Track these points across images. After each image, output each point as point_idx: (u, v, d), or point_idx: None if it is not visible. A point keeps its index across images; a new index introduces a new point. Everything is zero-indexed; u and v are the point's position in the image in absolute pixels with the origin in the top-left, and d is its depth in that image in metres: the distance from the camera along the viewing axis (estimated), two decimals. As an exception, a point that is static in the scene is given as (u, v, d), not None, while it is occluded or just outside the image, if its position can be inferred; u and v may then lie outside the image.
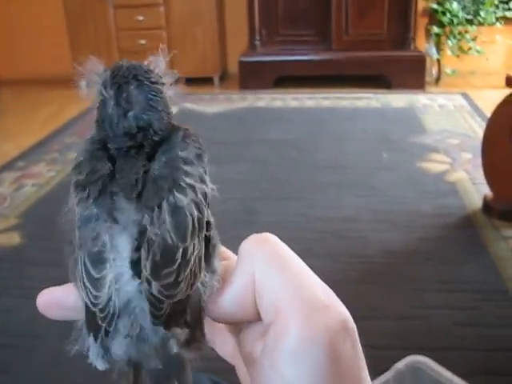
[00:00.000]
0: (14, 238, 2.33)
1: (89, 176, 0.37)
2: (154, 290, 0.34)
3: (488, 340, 1.63)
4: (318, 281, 0.37)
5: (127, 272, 0.35)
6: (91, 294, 0.35)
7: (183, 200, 0.36)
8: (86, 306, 0.35)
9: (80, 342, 0.36)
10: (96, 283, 0.35)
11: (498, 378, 1.49)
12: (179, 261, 0.35)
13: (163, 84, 0.39)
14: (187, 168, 0.38)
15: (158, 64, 0.40)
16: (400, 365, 1.16)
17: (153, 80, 0.39)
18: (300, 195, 2.66)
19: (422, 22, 4.73)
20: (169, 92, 0.40)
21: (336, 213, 2.46)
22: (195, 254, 0.36)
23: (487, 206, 2.39)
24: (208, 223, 0.38)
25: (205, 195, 0.38)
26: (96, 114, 0.39)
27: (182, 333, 0.35)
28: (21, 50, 5.35)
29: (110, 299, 0.35)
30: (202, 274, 0.37)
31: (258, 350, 0.36)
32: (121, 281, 0.35)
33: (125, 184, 0.37)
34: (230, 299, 0.37)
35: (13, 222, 2.49)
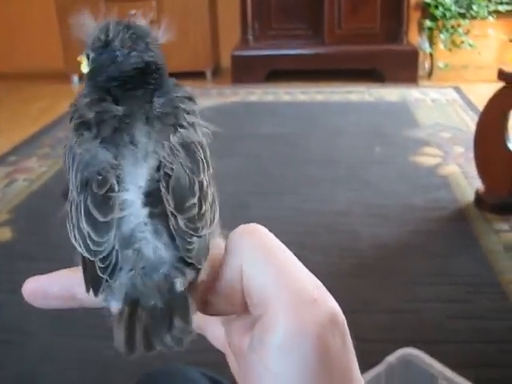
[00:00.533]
0: (6, 233, 2.32)
1: (100, 115, 0.37)
2: (181, 224, 0.34)
3: (480, 333, 1.63)
4: (307, 274, 0.36)
5: (137, 202, 0.34)
6: (92, 240, 0.33)
7: (189, 135, 0.37)
8: (83, 257, 0.34)
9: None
10: (100, 228, 0.34)
11: (489, 370, 1.50)
12: (198, 193, 0.35)
13: (154, 33, 0.42)
14: (185, 106, 0.39)
15: (143, 23, 0.42)
16: (391, 358, 1.17)
17: (146, 30, 0.42)
18: (293, 189, 2.66)
19: (415, 15, 4.73)
20: (160, 40, 0.42)
21: (328, 207, 2.46)
22: (210, 189, 0.37)
23: (479, 199, 2.39)
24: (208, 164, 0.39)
25: (203, 133, 0.39)
26: (89, 64, 0.41)
27: (190, 272, 0.34)
28: (12, 44, 5.32)
29: (113, 247, 0.33)
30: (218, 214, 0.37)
31: (246, 342, 0.36)
32: (129, 210, 0.34)
33: (136, 121, 0.37)
34: (217, 293, 0.37)
35: (4, 217, 2.48)
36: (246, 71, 4.66)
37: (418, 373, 1.14)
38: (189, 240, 0.34)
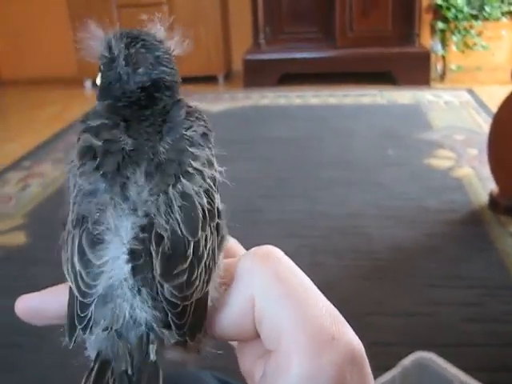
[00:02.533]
0: (20, 238, 2.33)
1: (107, 144, 0.35)
2: (167, 293, 0.31)
3: (495, 336, 1.62)
4: (324, 306, 0.34)
5: (120, 257, 0.32)
6: (83, 282, 0.32)
7: (191, 187, 0.34)
8: (72, 296, 0.33)
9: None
10: (92, 270, 0.32)
11: (504, 373, 1.49)
12: (191, 257, 0.32)
13: (167, 44, 0.40)
14: (194, 150, 0.35)
15: (157, 31, 0.40)
16: (406, 361, 1.16)
17: (158, 40, 0.39)
18: (306, 192, 2.65)
19: (427, 17, 4.72)
20: (175, 52, 0.40)
21: (342, 209, 2.45)
22: (208, 246, 0.33)
23: (493, 201, 2.37)
24: (218, 211, 0.36)
25: (214, 180, 0.36)
26: (100, 80, 0.39)
27: (170, 335, 0.32)
28: (25, 50, 5.36)
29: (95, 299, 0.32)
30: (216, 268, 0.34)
31: (257, 371, 0.34)
32: (112, 266, 0.32)
33: (140, 160, 0.34)
34: (226, 321, 0.34)
35: (18, 222, 2.49)
36: (258, 75, 4.67)
37: (433, 376, 1.13)
38: (175, 311, 0.31)
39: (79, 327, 0.32)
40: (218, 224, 0.35)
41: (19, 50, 5.37)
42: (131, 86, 0.37)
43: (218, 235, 0.35)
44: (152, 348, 0.31)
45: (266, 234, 2.17)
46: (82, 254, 0.32)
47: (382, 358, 1.40)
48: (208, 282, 0.33)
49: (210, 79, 4.87)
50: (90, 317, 0.32)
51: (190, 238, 0.32)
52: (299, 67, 4.65)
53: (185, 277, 0.32)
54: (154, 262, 0.31)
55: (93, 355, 0.31)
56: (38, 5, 5.24)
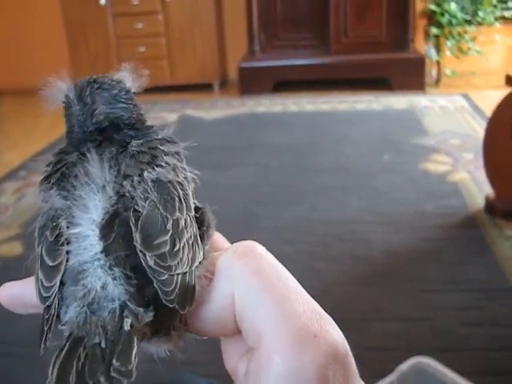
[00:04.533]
0: (17, 248, 2.33)
1: (54, 165, 0.37)
2: (150, 262, 0.32)
3: (493, 340, 1.62)
4: (307, 303, 0.33)
5: (90, 235, 0.33)
6: (43, 286, 0.32)
7: (165, 175, 0.35)
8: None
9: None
10: (49, 273, 0.32)
11: (503, 378, 1.48)
12: (171, 231, 0.33)
13: (125, 83, 0.39)
14: (164, 148, 0.37)
15: (124, 79, 0.40)
16: (404, 366, 1.16)
17: (115, 80, 0.39)
18: (302, 199, 2.65)
19: (421, 23, 4.74)
20: (133, 89, 0.39)
21: (338, 215, 2.45)
22: (189, 229, 0.34)
23: (490, 205, 2.38)
24: (196, 207, 0.36)
25: (186, 178, 0.36)
26: (65, 127, 0.39)
27: (144, 314, 0.31)
28: (21, 60, 5.36)
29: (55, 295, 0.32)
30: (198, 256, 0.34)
31: (240, 369, 0.34)
32: (79, 243, 0.33)
33: (100, 154, 0.35)
34: (206, 318, 0.34)
35: (15, 232, 2.49)
36: (253, 82, 4.67)
37: (431, 381, 1.13)
38: (161, 278, 0.31)
39: (45, 328, 0.32)
40: (199, 216, 0.36)
41: (15, 59, 5.38)
42: (89, 127, 0.37)
43: (200, 227, 0.36)
44: (126, 322, 0.31)
45: (262, 240, 2.11)
46: (42, 262, 0.33)
47: (378, 363, 1.40)
48: (193, 260, 0.33)
49: (205, 87, 4.88)
50: (60, 301, 0.32)
51: (168, 216, 0.33)
52: (294, 74, 4.66)
53: (167, 247, 0.32)
54: (134, 234, 0.32)
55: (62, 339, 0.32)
56: (33, 15, 5.24)
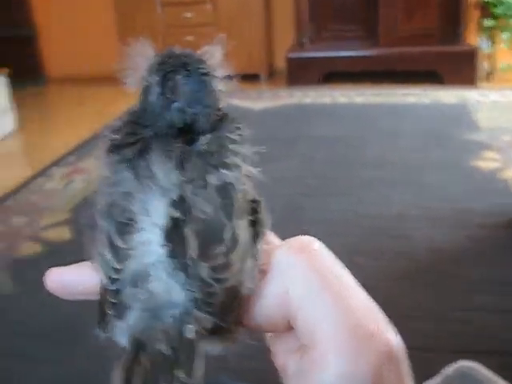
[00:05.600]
0: (64, 233, 2.37)
1: (127, 137, 0.34)
2: (204, 273, 0.30)
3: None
4: (364, 302, 0.33)
5: (155, 240, 0.31)
6: (112, 267, 0.31)
7: (230, 177, 0.33)
8: (101, 289, 0.32)
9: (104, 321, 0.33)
10: (120, 254, 0.31)
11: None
12: (229, 239, 0.31)
13: (215, 77, 0.36)
14: (233, 147, 0.35)
15: (214, 55, 0.37)
16: (449, 370, 1.13)
17: (204, 71, 0.35)
18: (347, 192, 2.63)
19: (474, 14, 4.61)
20: (220, 86, 0.36)
21: (383, 210, 2.42)
22: (243, 235, 0.32)
23: (541, 204, 2.31)
24: (256, 203, 0.35)
25: (250, 177, 0.35)
26: (138, 102, 0.36)
27: (206, 320, 0.30)
28: (71, 48, 5.46)
29: (126, 284, 0.31)
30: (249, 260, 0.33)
31: (290, 365, 0.34)
32: (144, 246, 0.31)
33: (167, 150, 0.33)
34: (260, 313, 0.33)
35: (63, 217, 2.54)
36: (300, 73, 4.64)
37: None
38: (209, 291, 0.30)
39: (111, 314, 0.32)
40: (255, 218, 0.34)
41: (65, 47, 5.47)
42: (161, 122, 0.35)
43: (255, 229, 0.34)
44: (190, 329, 0.30)
45: (306, 232, 2.15)
46: (110, 241, 0.32)
47: (418, 363, 1.37)
48: (243, 270, 0.32)
49: (252, 77, 4.87)
50: (122, 301, 0.31)
51: (226, 222, 0.32)
52: (343, 65, 4.61)
53: (222, 259, 0.31)
54: (191, 242, 0.31)
55: (125, 341, 0.31)
56: (84, 3, 5.32)
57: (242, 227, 0.33)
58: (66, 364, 1.58)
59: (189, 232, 0.31)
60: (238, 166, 0.34)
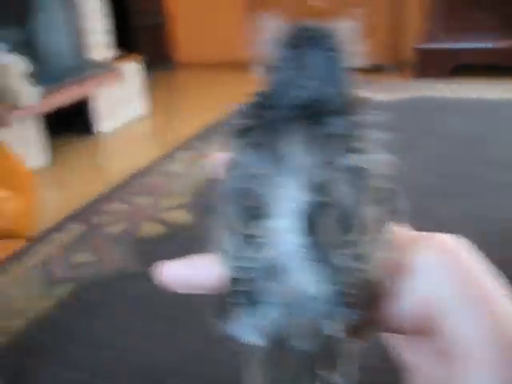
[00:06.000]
0: (185, 216, 2.44)
1: (254, 120, 0.32)
2: (345, 263, 0.28)
3: None
4: None
5: (290, 227, 0.28)
6: (242, 256, 0.29)
7: (364, 162, 0.30)
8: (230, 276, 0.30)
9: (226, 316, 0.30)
10: (250, 242, 0.29)
11: None
12: (361, 228, 0.29)
13: (348, 55, 0.34)
14: (365, 131, 0.32)
15: (348, 30, 0.34)
16: None
17: (336, 48, 0.33)
18: (474, 192, 2.51)
19: None
20: (353, 65, 0.34)
21: (509, 214, 2.28)
22: (374, 224, 0.30)
23: None
24: (389, 192, 0.32)
25: (383, 164, 0.32)
26: (266, 82, 0.34)
27: (350, 314, 0.28)
28: (200, 33, 5.61)
29: (256, 274, 0.29)
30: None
31: (426, 367, 0.31)
32: (279, 236, 0.29)
33: (296, 132, 0.31)
34: (395, 315, 0.31)
35: (185, 200, 2.61)
36: (429, 65, 4.49)
37: None
38: (353, 282, 0.28)
39: (237, 307, 0.29)
40: (387, 208, 0.32)
41: (195, 33, 5.63)
42: (287, 100, 0.32)
43: (386, 218, 0.31)
44: (335, 327, 0.28)
45: (426, 231, 2.08)
46: (239, 228, 0.30)
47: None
48: (377, 261, 0.29)
49: (378, 69, 4.77)
50: (253, 294, 0.29)
51: (356, 211, 0.29)
52: (474, 58, 4.40)
53: (355, 247, 0.28)
54: (330, 229, 0.28)
55: (251, 337, 0.29)
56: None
57: (375, 215, 0.30)
58: (181, 343, 1.63)
59: (328, 219, 0.28)
60: (370, 151, 0.31)
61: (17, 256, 2.20)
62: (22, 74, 2.97)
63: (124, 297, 1.90)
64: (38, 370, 1.57)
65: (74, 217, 2.50)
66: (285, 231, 0.29)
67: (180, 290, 0.35)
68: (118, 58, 4.04)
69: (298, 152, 0.30)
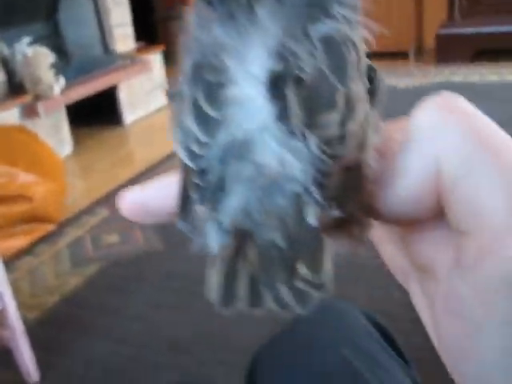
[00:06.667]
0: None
1: None
2: (312, 146, 0.23)
3: None
4: None
5: (257, 98, 0.24)
6: (197, 140, 0.24)
7: (338, 31, 0.25)
8: (183, 168, 0.26)
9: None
10: (209, 124, 0.24)
11: None
12: (341, 107, 0.24)
13: None
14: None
15: None
16: None
17: None
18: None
19: None
20: None
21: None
22: (361, 104, 0.25)
23: None
24: (373, 71, 0.28)
25: (361, 33, 0.27)
26: None
27: (328, 206, 0.23)
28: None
29: (218, 159, 0.24)
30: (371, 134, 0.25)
31: (442, 262, 0.26)
32: (245, 107, 0.24)
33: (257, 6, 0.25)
34: (398, 194, 0.26)
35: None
36: (451, 51, 4.48)
37: None
38: (323, 169, 0.23)
39: (197, 197, 0.24)
40: (372, 88, 0.27)
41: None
42: None
43: (372, 101, 0.27)
44: (310, 211, 0.23)
45: None
46: (197, 108, 0.25)
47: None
48: (363, 149, 0.25)
49: (400, 55, 4.77)
50: (213, 183, 0.24)
51: (338, 86, 0.24)
52: (496, 42, 4.37)
53: (334, 129, 0.24)
54: (293, 107, 0.23)
55: (220, 230, 0.24)
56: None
57: (359, 93, 0.25)
58: (205, 316, 1.69)
59: (302, 91, 0.24)
60: (348, 19, 0.26)
61: (48, 238, 2.29)
62: (50, 66, 3.06)
63: (149, 273, 1.98)
64: (71, 343, 1.66)
65: (101, 201, 2.59)
66: (250, 102, 0.24)
67: (139, 219, 0.30)
68: (142, 50, 4.12)
69: (265, 18, 0.25)
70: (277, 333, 0.66)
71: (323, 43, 0.25)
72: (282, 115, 0.23)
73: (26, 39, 3.08)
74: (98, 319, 1.75)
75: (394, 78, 4.19)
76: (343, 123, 0.24)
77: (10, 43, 3.06)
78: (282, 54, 0.24)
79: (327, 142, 0.23)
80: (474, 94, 3.70)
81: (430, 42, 4.86)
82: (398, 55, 4.75)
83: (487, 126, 0.26)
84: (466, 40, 4.44)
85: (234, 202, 0.23)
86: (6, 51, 3.08)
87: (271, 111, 0.24)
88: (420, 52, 5.01)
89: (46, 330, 1.73)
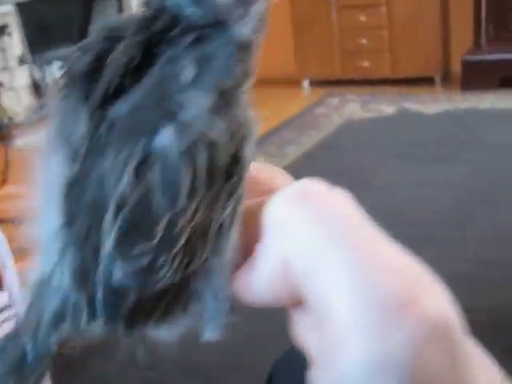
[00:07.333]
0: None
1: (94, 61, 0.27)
2: (118, 275, 0.23)
3: None
4: (393, 261, 0.24)
5: (45, 208, 0.25)
6: None
7: (178, 142, 0.24)
8: None
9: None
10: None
11: None
12: (161, 234, 0.23)
13: None
14: (182, 94, 0.25)
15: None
16: None
17: None
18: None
19: None
20: None
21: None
22: (196, 220, 0.24)
23: None
24: (236, 161, 0.27)
25: (238, 125, 0.26)
26: None
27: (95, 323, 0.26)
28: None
29: None
30: (210, 247, 0.25)
31: (311, 345, 0.26)
32: (38, 223, 0.25)
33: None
34: (256, 290, 0.27)
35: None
36: (477, 77, 4.45)
37: None
38: (121, 297, 0.24)
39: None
40: (232, 185, 0.26)
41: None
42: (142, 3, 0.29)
43: (228, 199, 0.26)
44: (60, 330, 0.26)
45: (474, 239, 2.13)
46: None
47: None
48: (188, 266, 0.25)
49: (426, 80, 4.76)
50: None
51: (164, 209, 0.23)
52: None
53: (146, 260, 0.24)
54: (107, 234, 0.23)
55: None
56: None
57: (200, 209, 0.24)
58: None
59: (106, 222, 0.24)
60: (194, 119, 0.25)
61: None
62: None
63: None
64: (85, 362, 1.66)
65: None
66: (43, 215, 0.25)
67: None
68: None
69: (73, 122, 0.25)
70: (291, 346, 0.66)
71: (157, 161, 0.23)
72: (67, 226, 0.24)
73: (57, 63, 3.14)
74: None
75: (421, 103, 4.17)
76: (158, 255, 0.24)
77: (42, 66, 3.12)
78: (76, 157, 0.24)
79: (135, 273, 0.24)
80: (500, 120, 3.69)
81: (456, 67, 4.84)
82: (424, 81, 4.74)
83: (341, 213, 0.25)
84: (492, 66, 4.42)
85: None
86: (37, 74, 3.13)
87: (58, 221, 0.24)
88: (446, 78, 4.99)
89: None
